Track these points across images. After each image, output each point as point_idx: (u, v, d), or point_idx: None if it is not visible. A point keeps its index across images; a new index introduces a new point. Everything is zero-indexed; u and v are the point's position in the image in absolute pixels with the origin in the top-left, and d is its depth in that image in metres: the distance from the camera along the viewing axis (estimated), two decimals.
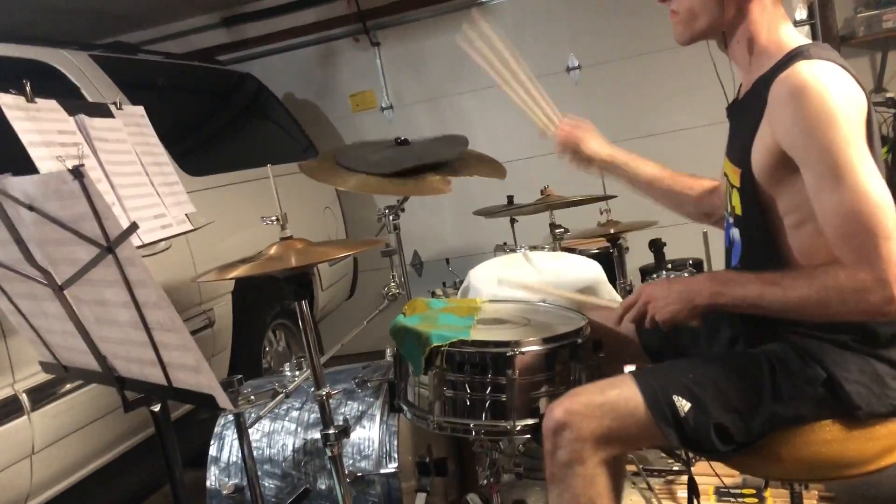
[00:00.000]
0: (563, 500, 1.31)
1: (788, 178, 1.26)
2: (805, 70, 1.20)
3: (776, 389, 1.28)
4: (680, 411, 1.28)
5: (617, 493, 1.37)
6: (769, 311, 1.26)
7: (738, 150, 1.36)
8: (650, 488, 2.26)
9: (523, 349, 1.43)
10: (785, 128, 1.23)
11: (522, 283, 1.76)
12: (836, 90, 1.18)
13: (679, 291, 1.34)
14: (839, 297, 1.18)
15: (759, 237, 1.36)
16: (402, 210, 2.20)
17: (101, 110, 1.86)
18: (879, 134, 1.32)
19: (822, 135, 1.17)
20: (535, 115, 1.83)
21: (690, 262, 2.63)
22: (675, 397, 1.28)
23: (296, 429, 1.92)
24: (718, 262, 1.64)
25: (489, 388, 1.44)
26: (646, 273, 2.61)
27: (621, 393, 1.31)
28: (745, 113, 1.35)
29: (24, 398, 1.98)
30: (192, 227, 1.97)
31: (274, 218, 1.54)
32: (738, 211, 1.39)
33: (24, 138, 1.55)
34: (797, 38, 1.34)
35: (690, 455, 2.09)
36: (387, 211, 2.18)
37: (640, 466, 2.31)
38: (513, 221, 2.95)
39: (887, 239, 1.15)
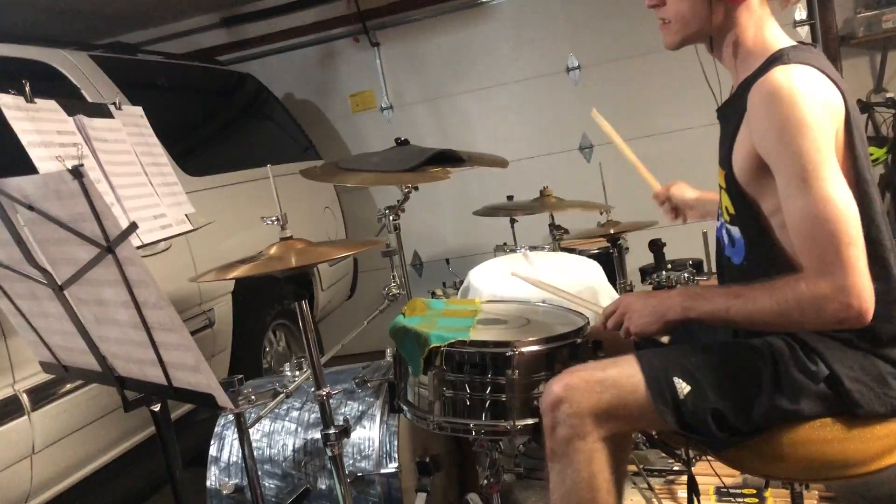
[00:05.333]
0: (565, 477, 1.30)
1: (767, 180, 1.27)
2: (779, 76, 1.22)
3: (777, 381, 1.29)
4: (679, 393, 1.28)
5: (618, 476, 1.37)
6: (737, 323, 1.28)
7: (723, 151, 1.38)
8: (650, 488, 2.26)
9: (523, 349, 1.43)
10: (760, 133, 1.25)
11: (529, 278, 1.76)
12: (807, 96, 1.20)
13: (653, 306, 1.36)
14: (798, 307, 1.19)
15: (758, 235, 1.37)
16: (403, 210, 2.20)
17: (101, 111, 1.86)
18: (864, 132, 1.33)
19: (790, 141, 1.19)
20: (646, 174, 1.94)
21: (690, 262, 2.63)
22: (676, 379, 1.29)
23: (296, 429, 1.92)
24: None
25: (489, 388, 1.44)
26: (646, 273, 2.60)
27: (622, 370, 1.31)
28: (730, 115, 1.38)
29: (24, 398, 1.98)
30: (191, 228, 1.97)
31: (274, 218, 1.54)
32: (732, 210, 1.40)
33: (24, 138, 1.55)
34: (782, 38, 1.35)
35: (691, 454, 2.09)
36: (387, 211, 2.18)
37: (641, 466, 2.31)
38: (513, 221, 2.95)
39: (849, 245, 1.16)
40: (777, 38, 1.35)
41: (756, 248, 1.39)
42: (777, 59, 1.28)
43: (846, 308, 1.15)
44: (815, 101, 1.20)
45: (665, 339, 1.38)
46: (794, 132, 1.19)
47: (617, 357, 1.35)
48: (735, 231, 1.42)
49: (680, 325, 1.58)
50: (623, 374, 1.31)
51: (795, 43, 1.35)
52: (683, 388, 1.28)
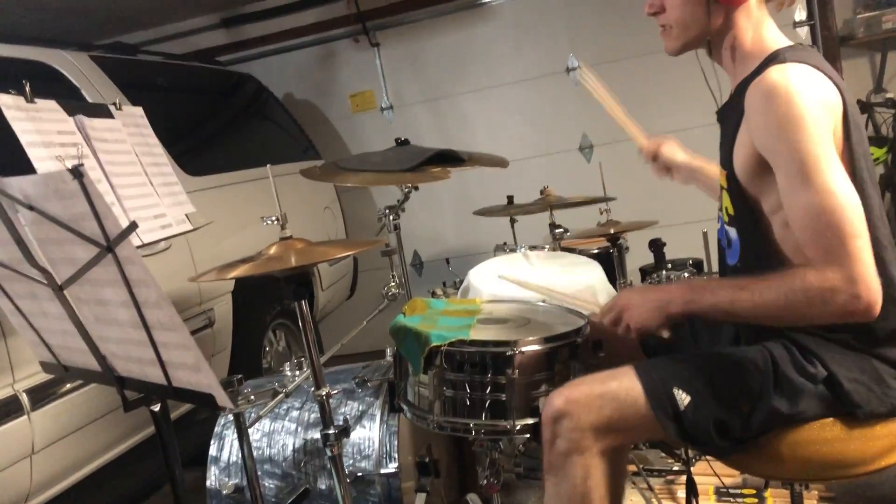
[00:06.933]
0: (561, 490, 1.31)
1: (768, 178, 1.28)
2: (775, 74, 1.23)
3: (777, 386, 1.29)
4: (680, 404, 1.28)
5: (617, 488, 1.37)
6: (741, 316, 1.27)
7: (724, 152, 1.39)
8: (650, 488, 2.26)
9: (523, 349, 1.43)
10: (759, 131, 1.26)
11: (520, 281, 1.76)
12: (803, 93, 1.21)
13: (654, 300, 1.35)
14: (805, 299, 1.18)
15: (753, 236, 1.38)
16: (403, 210, 2.20)
17: (101, 111, 1.86)
18: (863, 130, 1.34)
19: (789, 137, 1.20)
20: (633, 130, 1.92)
21: (690, 261, 2.63)
22: (676, 390, 1.29)
23: (296, 428, 1.92)
24: None
25: (489, 388, 1.44)
26: (646, 273, 2.61)
27: (622, 384, 1.31)
28: (729, 116, 1.39)
29: (23, 398, 1.97)
30: (191, 227, 1.97)
31: (274, 218, 1.54)
32: (731, 211, 1.41)
33: (24, 139, 1.55)
34: (779, 39, 1.37)
35: (690, 455, 2.09)
36: (387, 211, 2.18)
37: (640, 466, 2.31)
38: (513, 221, 2.95)
39: (854, 237, 1.16)
40: (775, 39, 1.36)
41: (751, 249, 1.39)
42: (773, 58, 1.29)
43: (854, 299, 1.15)
44: (811, 98, 1.21)
45: (665, 334, 1.36)
46: (791, 128, 1.19)
47: (615, 369, 1.34)
48: (733, 232, 1.43)
49: (685, 328, 1.59)
50: (623, 388, 1.30)
51: (792, 44, 1.36)
52: (683, 398, 1.28)
